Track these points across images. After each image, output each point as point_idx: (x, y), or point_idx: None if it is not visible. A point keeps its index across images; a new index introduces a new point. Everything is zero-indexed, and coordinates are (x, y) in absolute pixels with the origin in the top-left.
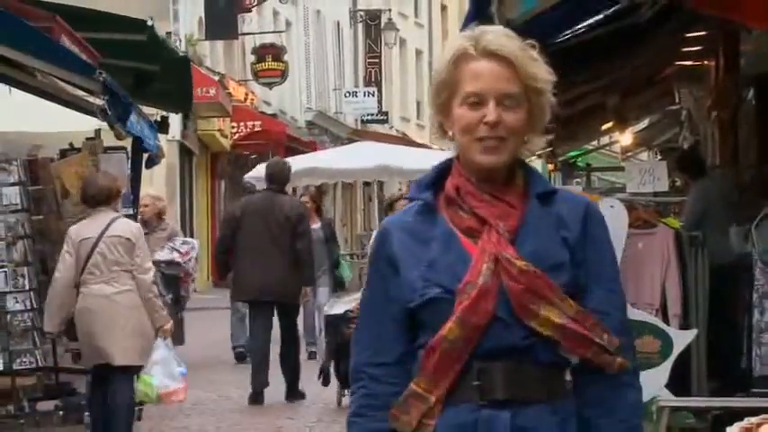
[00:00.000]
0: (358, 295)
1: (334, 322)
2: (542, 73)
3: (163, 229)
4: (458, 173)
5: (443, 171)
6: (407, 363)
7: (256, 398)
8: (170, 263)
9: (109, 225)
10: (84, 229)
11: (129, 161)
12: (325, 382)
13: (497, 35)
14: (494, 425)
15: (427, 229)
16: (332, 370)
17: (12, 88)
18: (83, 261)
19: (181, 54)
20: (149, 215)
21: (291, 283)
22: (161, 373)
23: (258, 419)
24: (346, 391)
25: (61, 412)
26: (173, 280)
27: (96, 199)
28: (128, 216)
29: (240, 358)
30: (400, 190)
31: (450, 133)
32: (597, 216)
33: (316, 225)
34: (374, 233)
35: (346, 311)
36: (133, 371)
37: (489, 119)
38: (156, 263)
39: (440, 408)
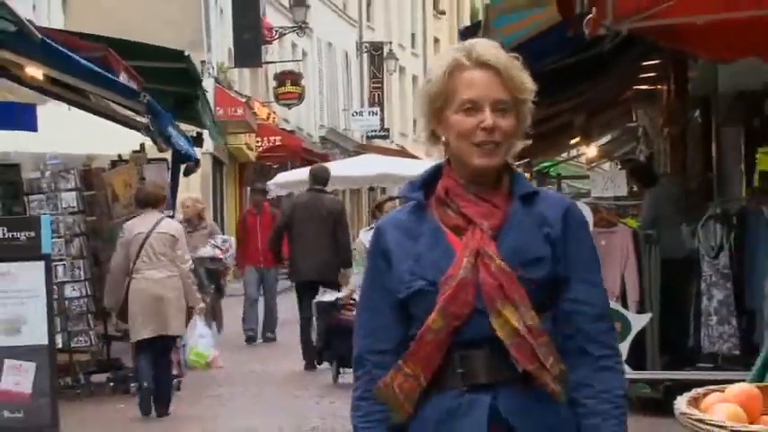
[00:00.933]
0: (350, 285)
1: (325, 308)
2: (527, 82)
3: (204, 228)
4: (448, 175)
5: (435, 174)
6: (405, 349)
7: (313, 362)
8: (213, 259)
9: (157, 223)
10: (136, 226)
11: (169, 170)
12: (319, 361)
13: (487, 47)
14: (475, 407)
15: (418, 226)
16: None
17: (70, 107)
18: (136, 251)
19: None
20: (191, 215)
21: (333, 265)
22: (206, 344)
23: (277, 389)
24: (341, 369)
25: (111, 383)
26: (214, 273)
27: (146, 202)
28: (168, 217)
29: (250, 340)
30: (383, 194)
31: (444, 139)
32: (578, 215)
33: None
34: (360, 232)
35: (336, 299)
36: (173, 342)
37: (486, 124)
38: (201, 259)
39: (417, 392)
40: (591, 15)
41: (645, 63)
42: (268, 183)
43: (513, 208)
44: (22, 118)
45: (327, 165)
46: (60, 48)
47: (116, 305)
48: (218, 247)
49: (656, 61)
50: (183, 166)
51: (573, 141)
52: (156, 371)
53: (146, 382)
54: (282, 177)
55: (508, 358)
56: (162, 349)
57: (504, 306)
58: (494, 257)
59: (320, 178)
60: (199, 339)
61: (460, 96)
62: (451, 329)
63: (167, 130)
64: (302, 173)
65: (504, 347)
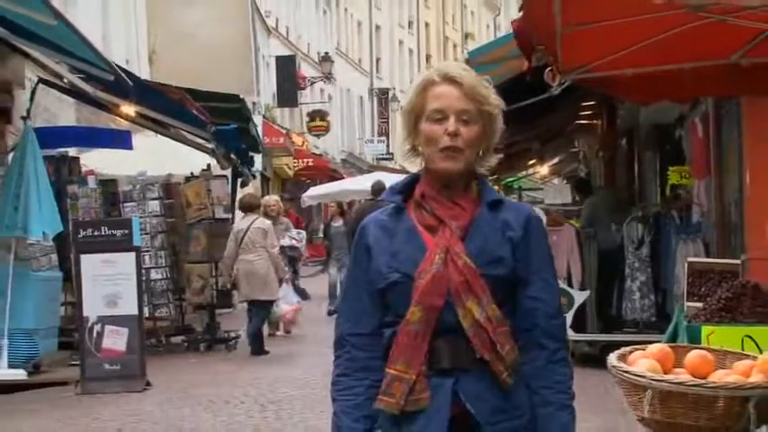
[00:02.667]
0: None
1: None
2: (492, 98)
3: (281, 224)
4: (424, 182)
5: (412, 181)
6: (379, 335)
7: None
8: (292, 248)
9: (253, 222)
10: (239, 225)
11: (229, 184)
12: None
13: (455, 67)
14: (439, 389)
15: (396, 226)
16: None
17: (157, 134)
18: (239, 241)
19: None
20: (276, 212)
21: None
22: (282, 303)
23: (323, 350)
24: None
25: (185, 344)
26: (293, 259)
27: (247, 207)
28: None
29: (331, 314)
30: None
31: (420, 149)
32: (537, 221)
33: (339, 223)
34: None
35: (292, 246)
36: (266, 304)
37: (450, 129)
38: (283, 248)
39: (424, 382)
40: (550, 68)
41: (584, 104)
42: (303, 195)
43: (481, 212)
44: (120, 140)
45: (381, 179)
46: (148, 92)
47: (229, 280)
48: (294, 238)
49: (592, 102)
50: (239, 180)
51: (531, 162)
52: (253, 321)
53: (246, 331)
54: (313, 191)
55: (470, 346)
56: (256, 309)
57: (468, 298)
58: (461, 255)
59: (376, 190)
60: (279, 301)
61: (430, 107)
62: (430, 320)
63: (228, 153)
64: (327, 187)
65: (466, 336)
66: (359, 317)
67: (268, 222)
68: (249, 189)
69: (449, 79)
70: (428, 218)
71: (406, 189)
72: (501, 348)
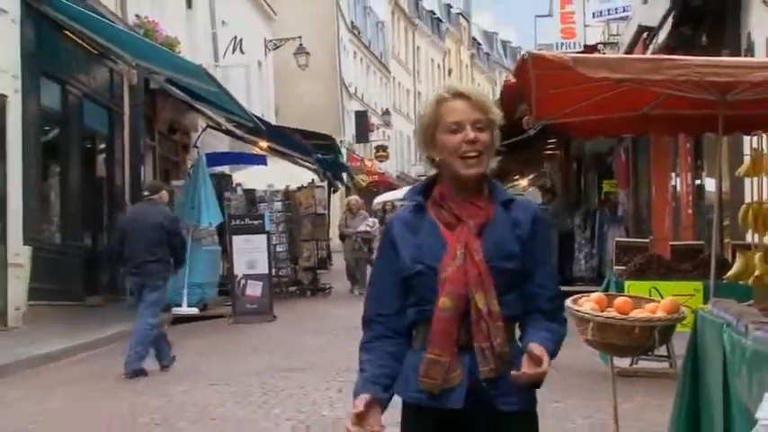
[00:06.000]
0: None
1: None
2: (494, 108)
3: (361, 215)
4: (442, 184)
5: (430, 183)
6: (401, 315)
7: None
8: (366, 231)
9: (364, 219)
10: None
11: (326, 191)
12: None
13: (459, 84)
14: (457, 362)
15: (418, 222)
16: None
17: (280, 159)
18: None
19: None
20: (356, 207)
21: None
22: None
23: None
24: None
25: (298, 292)
26: (368, 242)
27: (354, 210)
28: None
29: None
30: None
31: (438, 159)
32: (542, 219)
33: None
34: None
35: (366, 231)
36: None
37: (470, 137)
38: (359, 232)
39: (456, 362)
40: (526, 117)
41: (549, 140)
42: (374, 200)
43: (496, 211)
44: (258, 162)
45: (394, 192)
46: (275, 133)
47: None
48: (368, 225)
49: (555, 139)
50: (332, 189)
51: (515, 177)
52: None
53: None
54: (379, 198)
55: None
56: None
57: (477, 291)
58: (478, 250)
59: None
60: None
61: (446, 120)
62: (459, 307)
63: (326, 171)
64: (387, 195)
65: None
66: (384, 300)
67: (372, 219)
68: (339, 195)
69: (459, 95)
70: (447, 216)
71: (425, 190)
72: (493, 339)
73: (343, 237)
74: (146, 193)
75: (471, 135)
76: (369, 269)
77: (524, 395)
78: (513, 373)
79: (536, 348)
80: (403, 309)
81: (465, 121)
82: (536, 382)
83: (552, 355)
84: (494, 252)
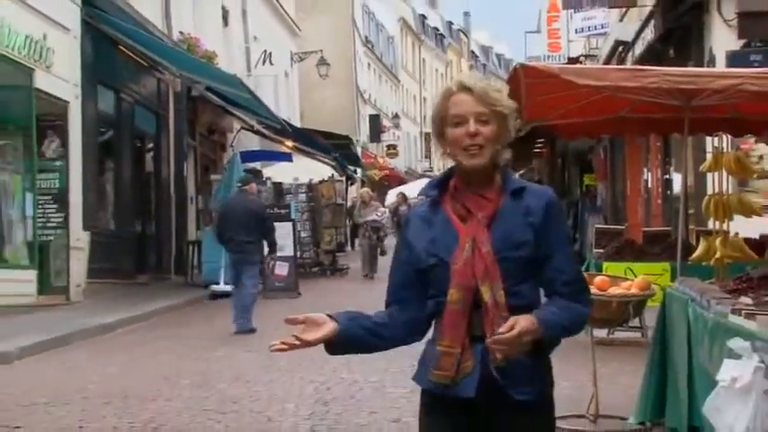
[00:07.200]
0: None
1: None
2: (504, 100)
3: (372, 206)
4: (456, 177)
5: (446, 177)
6: (413, 301)
7: None
8: (375, 221)
9: (375, 209)
10: (364, 212)
11: (344, 185)
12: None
13: (470, 76)
14: (470, 353)
15: (433, 216)
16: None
17: (304, 156)
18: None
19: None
20: (369, 198)
21: None
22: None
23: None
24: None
25: (319, 271)
26: (377, 230)
27: (366, 201)
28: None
29: None
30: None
31: (448, 151)
32: (556, 204)
33: (404, 207)
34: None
35: (374, 219)
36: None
37: (470, 130)
38: (368, 221)
39: (468, 352)
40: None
41: (538, 140)
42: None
43: (504, 201)
44: (285, 159)
45: (404, 186)
46: (299, 134)
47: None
48: (377, 215)
49: (542, 139)
50: (350, 182)
51: None
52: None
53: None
54: (391, 192)
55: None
56: None
57: (484, 282)
58: (485, 243)
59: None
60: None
61: (451, 113)
62: (467, 299)
63: (344, 167)
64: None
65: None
66: (401, 289)
67: (383, 209)
68: (354, 187)
69: (464, 88)
70: (459, 209)
71: (441, 183)
72: (498, 326)
73: (356, 225)
74: (238, 184)
75: (472, 128)
76: (379, 255)
77: (538, 384)
78: (487, 341)
79: (521, 318)
80: (412, 301)
81: (468, 114)
82: (508, 350)
83: (564, 330)
84: (503, 243)
